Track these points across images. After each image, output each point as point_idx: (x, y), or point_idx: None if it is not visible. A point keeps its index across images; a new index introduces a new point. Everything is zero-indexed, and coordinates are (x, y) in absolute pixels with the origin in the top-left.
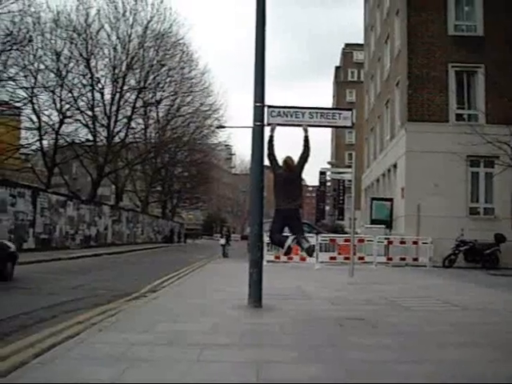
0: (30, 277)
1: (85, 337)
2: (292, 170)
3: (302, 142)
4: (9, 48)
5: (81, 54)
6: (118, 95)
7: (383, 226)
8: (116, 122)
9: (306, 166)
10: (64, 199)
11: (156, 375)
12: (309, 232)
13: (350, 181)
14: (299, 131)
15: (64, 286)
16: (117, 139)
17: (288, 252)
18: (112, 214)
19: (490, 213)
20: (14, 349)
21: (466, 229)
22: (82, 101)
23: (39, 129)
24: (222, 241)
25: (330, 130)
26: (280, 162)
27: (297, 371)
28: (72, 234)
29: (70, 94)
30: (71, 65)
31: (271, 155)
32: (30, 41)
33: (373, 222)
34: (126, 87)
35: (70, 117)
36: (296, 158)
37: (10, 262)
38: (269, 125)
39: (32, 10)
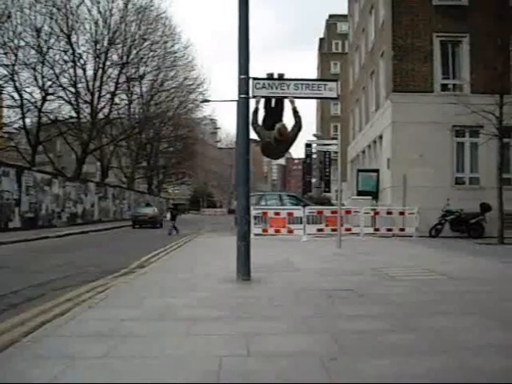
0: (17, 256)
1: (75, 314)
2: (285, 140)
3: (291, 115)
4: None
5: (61, 30)
6: (100, 71)
7: (370, 197)
8: (99, 98)
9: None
10: (49, 177)
11: (146, 350)
12: (296, 204)
13: (335, 153)
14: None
15: (52, 264)
16: (101, 115)
17: None
18: (98, 191)
19: (475, 182)
20: (3, 327)
21: (451, 199)
22: (64, 77)
23: (21, 106)
24: (168, 216)
25: (314, 102)
26: (274, 131)
27: (287, 343)
28: (58, 211)
29: (51, 71)
30: (52, 41)
31: (255, 124)
32: (9, 17)
33: (359, 193)
34: (108, 63)
35: (52, 94)
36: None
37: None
38: (254, 97)
39: None
